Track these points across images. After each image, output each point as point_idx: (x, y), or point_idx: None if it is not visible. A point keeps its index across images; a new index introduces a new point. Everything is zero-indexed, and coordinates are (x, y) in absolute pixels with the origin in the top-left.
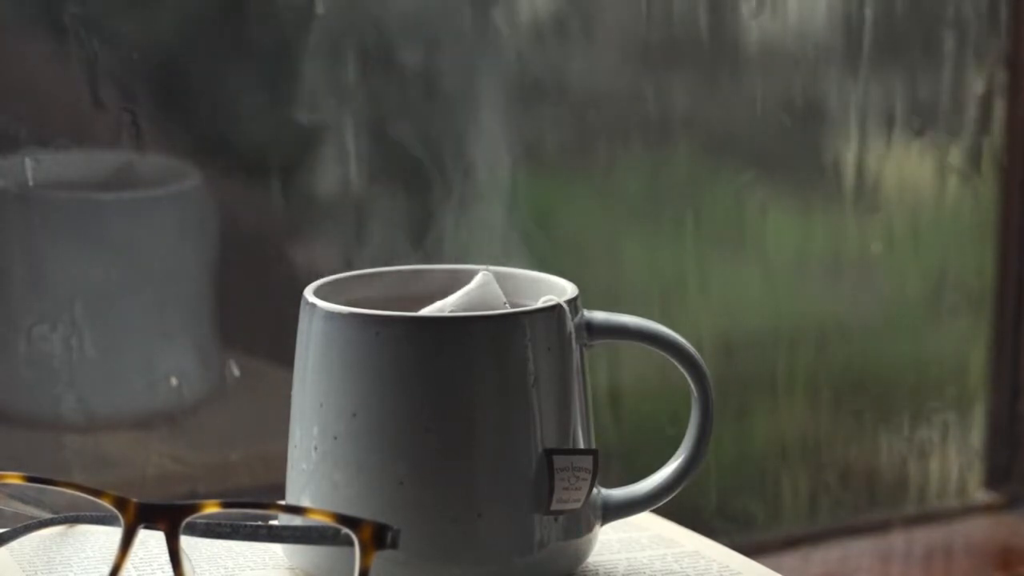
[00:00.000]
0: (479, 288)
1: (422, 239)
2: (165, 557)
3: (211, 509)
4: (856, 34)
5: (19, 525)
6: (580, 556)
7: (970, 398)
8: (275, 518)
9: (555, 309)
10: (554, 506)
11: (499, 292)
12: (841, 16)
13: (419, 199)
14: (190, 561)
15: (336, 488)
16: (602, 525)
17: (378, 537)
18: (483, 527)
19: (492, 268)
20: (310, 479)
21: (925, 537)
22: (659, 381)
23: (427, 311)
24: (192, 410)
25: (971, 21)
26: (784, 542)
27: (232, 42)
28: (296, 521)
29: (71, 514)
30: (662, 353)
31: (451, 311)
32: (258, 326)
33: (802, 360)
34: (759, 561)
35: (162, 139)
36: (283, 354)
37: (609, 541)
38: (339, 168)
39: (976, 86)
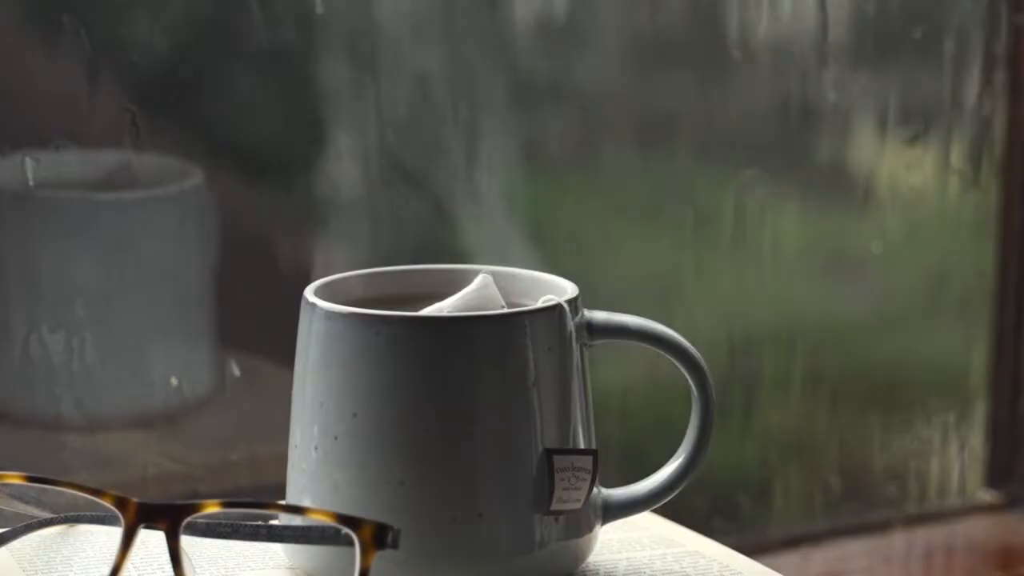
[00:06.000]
0: (477, 290)
1: (422, 239)
2: (165, 557)
3: (211, 509)
4: (856, 33)
5: (19, 525)
6: (580, 556)
7: (970, 398)
8: (275, 518)
9: (555, 309)
10: (554, 506)
11: (497, 295)
12: (841, 15)
13: (419, 199)
14: (190, 561)
15: (336, 488)
16: (602, 525)
17: (378, 537)
18: (483, 527)
19: (492, 268)
20: (310, 479)
21: (925, 537)
22: None
23: (426, 311)
24: (192, 410)
25: (971, 21)
26: (784, 542)
27: (232, 41)
28: (296, 521)
29: (71, 514)
30: (663, 353)
31: (449, 312)
32: (258, 326)
33: (802, 359)
34: (759, 561)
35: (162, 139)
36: (283, 354)
37: (609, 541)
38: (339, 167)
39: (976, 86)
